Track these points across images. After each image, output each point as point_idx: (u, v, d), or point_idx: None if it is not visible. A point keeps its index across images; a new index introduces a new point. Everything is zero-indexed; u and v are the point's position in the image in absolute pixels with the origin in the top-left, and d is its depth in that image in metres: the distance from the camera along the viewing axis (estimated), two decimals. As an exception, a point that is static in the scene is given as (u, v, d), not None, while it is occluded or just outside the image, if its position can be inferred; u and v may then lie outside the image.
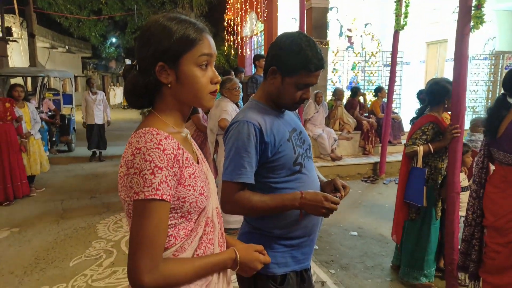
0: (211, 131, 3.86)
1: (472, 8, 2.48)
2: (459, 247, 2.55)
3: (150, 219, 0.84)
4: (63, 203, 4.88)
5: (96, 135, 7.27)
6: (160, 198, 0.83)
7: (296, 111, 1.56)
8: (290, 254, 1.40)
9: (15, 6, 13.74)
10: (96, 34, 22.01)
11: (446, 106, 2.79)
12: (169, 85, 0.92)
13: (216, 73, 0.97)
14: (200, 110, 4.38)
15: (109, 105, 7.91)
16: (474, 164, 2.48)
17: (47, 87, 8.49)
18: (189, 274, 0.92)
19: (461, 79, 2.56)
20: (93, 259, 3.32)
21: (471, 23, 2.50)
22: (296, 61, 1.29)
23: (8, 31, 11.26)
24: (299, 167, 1.37)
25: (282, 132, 1.36)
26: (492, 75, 8.44)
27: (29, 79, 11.89)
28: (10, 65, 10.75)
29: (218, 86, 0.97)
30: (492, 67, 8.41)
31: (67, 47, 20.75)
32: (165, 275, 0.87)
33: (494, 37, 9.12)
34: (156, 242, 0.85)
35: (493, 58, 8.42)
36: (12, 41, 11.44)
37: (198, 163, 1.01)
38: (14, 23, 13.78)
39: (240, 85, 7.20)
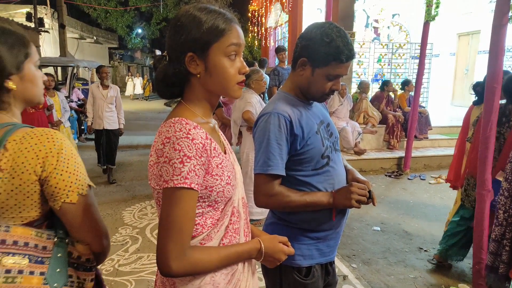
0: (234, 123, 3.88)
1: (511, -3, 2.36)
2: (488, 247, 2.47)
3: (178, 206, 0.86)
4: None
5: (105, 146, 5.46)
6: (189, 186, 0.85)
7: (325, 103, 1.55)
8: (316, 247, 1.40)
9: (47, -3, 14.20)
10: (123, 25, 22.43)
11: None
12: (198, 75, 0.94)
13: (244, 63, 0.97)
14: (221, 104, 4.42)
15: (123, 98, 6.21)
16: (508, 161, 2.37)
17: (77, 76, 8.73)
18: (215, 262, 0.93)
19: (496, 73, 2.45)
20: (119, 244, 3.43)
21: (510, 13, 2.38)
22: (327, 52, 1.27)
23: (40, 22, 11.65)
24: (326, 160, 1.36)
25: (310, 124, 1.35)
26: (528, 69, 8.04)
27: (59, 68, 12.28)
28: (42, 55, 11.14)
29: (244, 77, 0.98)
30: (529, 60, 8.01)
31: (95, 37, 21.26)
32: (192, 262, 0.89)
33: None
34: (184, 230, 0.87)
35: (530, 50, 8.01)
36: (44, 31, 11.82)
37: (225, 153, 1.02)
38: (45, 14, 14.22)
39: (267, 76, 7.22)
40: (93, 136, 8.87)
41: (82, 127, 8.04)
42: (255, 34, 12.70)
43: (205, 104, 0.99)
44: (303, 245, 1.38)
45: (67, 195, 0.92)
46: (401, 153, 6.20)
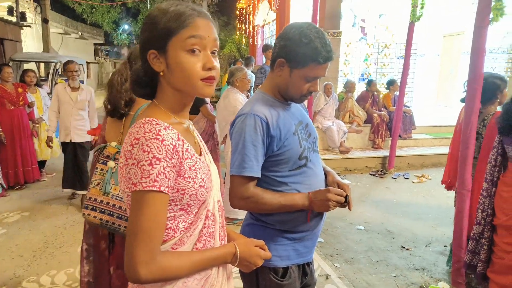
0: (219, 123, 3.83)
1: (493, 0, 2.39)
2: (467, 245, 2.50)
3: (147, 210, 0.83)
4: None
5: (71, 165, 4.26)
6: (158, 189, 0.82)
7: (304, 103, 1.53)
8: (293, 247, 1.39)
9: (29, -9, 13.84)
10: (109, 21, 22.07)
11: (499, 101, 2.70)
12: (162, 73, 0.91)
13: (211, 59, 0.90)
14: (208, 100, 4.36)
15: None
16: (488, 161, 2.40)
17: (59, 73, 8.54)
18: (187, 267, 0.90)
19: (477, 73, 2.48)
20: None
21: (491, 15, 2.41)
22: (305, 53, 1.25)
23: (22, 16, 11.34)
24: (304, 161, 1.35)
25: (288, 125, 1.34)
26: (509, 70, 8.22)
27: (42, 64, 12.00)
28: (24, 50, 10.85)
29: (214, 73, 0.91)
30: (510, 61, 8.18)
31: (80, 33, 20.85)
32: (162, 267, 0.86)
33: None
34: (154, 234, 0.84)
35: (511, 51, 8.18)
36: (26, 26, 11.52)
37: (200, 154, 0.99)
38: (28, 8, 13.84)
39: (252, 74, 7.18)
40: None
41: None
42: (243, 32, 12.64)
43: (177, 103, 0.95)
44: (279, 246, 1.36)
45: None
46: (386, 152, 6.27)
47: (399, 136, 6.43)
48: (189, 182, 0.89)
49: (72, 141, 4.23)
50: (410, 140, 6.96)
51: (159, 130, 0.84)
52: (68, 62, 4.27)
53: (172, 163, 0.85)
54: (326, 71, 1.32)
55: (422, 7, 5.36)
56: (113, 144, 1.71)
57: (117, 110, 1.74)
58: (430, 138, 7.14)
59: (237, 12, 13.13)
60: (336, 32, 7.00)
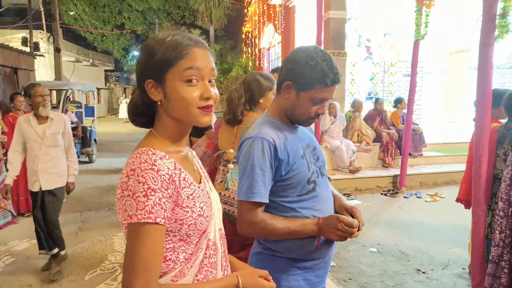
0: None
1: (497, 17, 2.38)
2: (487, 268, 2.39)
3: (143, 243, 0.81)
4: (82, 215, 4.94)
5: (41, 219, 3.30)
6: (154, 221, 0.80)
7: (310, 126, 1.51)
8: (304, 277, 1.33)
9: (43, 22, 14.37)
10: (119, 48, 22.75)
11: None
12: (159, 102, 0.91)
13: (209, 88, 0.91)
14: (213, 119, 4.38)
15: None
16: (502, 180, 2.32)
17: (71, 99, 8.72)
18: None
19: (486, 90, 2.45)
20: (108, 273, 3.31)
21: (496, 33, 2.40)
22: (312, 76, 1.25)
23: (35, 46, 11.74)
24: (313, 185, 1.31)
25: (296, 149, 1.32)
26: (518, 85, 8.13)
27: (54, 92, 12.30)
28: (37, 79, 11.17)
29: (212, 102, 0.91)
30: (519, 76, 8.11)
31: (91, 60, 21.46)
32: None
33: (519, 45, 8.80)
34: (151, 267, 0.82)
35: (520, 66, 8.12)
36: (39, 55, 11.90)
37: (200, 182, 0.98)
38: (41, 39, 14.36)
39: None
40: (86, 160, 8.93)
41: (76, 151, 7.95)
42: (249, 55, 12.85)
43: (174, 132, 0.95)
44: (290, 276, 1.31)
45: None
46: (396, 171, 6.16)
47: (410, 154, 6.33)
48: (187, 212, 0.88)
49: (42, 189, 3.22)
50: (421, 158, 6.85)
51: (155, 160, 0.83)
52: (34, 85, 3.35)
53: (168, 193, 0.83)
54: (333, 93, 1.30)
55: (426, 26, 5.39)
56: (231, 151, 2.17)
57: (236, 118, 2.16)
58: (441, 156, 7.02)
59: (243, 35, 13.40)
60: (341, 52, 7.06)
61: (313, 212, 1.31)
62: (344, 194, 5.69)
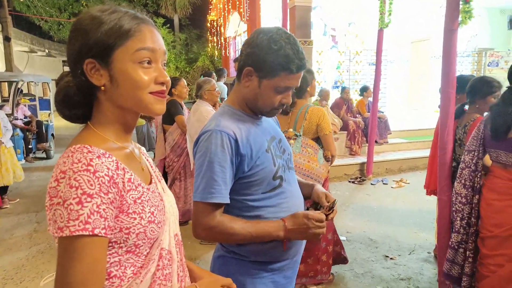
0: (191, 138, 3.66)
1: (461, 3, 2.37)
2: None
3: (79, 261, 0.67)
4: (38, 216, 4.61)
5: None
6: (91, 233, 0.66)
7: (276, 116, 1.40)
8: (271, 280, 1.23)
9: (-10, 8, 13.29)
10: (77, 37, 21.49)
11: (478, 107, 2.58)
12: (103, 87, 0.76)
13: (164, 72, 0.80)
14: (185, 110, 4.19)
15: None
16: (461, 166, 2.23)
17: (22, 92, 8.12)
18: None
19: (450, 76, 2.45)
20: None
21: (459, 18, 2.39)
22: (275, 61, 1.12)
23: (-18, 35, 10.85)
24: (279, 181, 1.20)
25: (259, 142, 1.19)
26: (475, 72, 8.47)
27: (5, 84, 11.46)
28: (-15, 70, 10.33)
29: (165, 87, 0.80)
30: (475, 64, 8.45)
31: (47, 50, 20.21)
32: None
33: (476, 34, 9.18)
34: None
35: (476, 55, 8.46)
36: (-14, 45, 11.02)
37: (150, 183, 0.85)
38: (-12, 27, 13.29)
39: (224, 86, 7.04)
40: (43, 156, 8.37)
41: (30, 146, 7.47)
42: (215, 44, 12.57)
43: (119, 124, 0.81)
44: (257, 280, 1.21)
45: None
46: (363, 159, 6.25)
47: (376, 141, 6.44)
48: (135, 219, 0.75)
49: None
50: (387, 145, 7.00)
51: (91, 160, 0.69)
52: None
53: (109, 198, 0.70)
54: (299, 80, 1.19)
55: (390, 14, 5.43)
56: (290, 130, 2.59)
57: (288, 108, 2.58)
58: (405, 142, 7.21)
59: (209, 24, 13.07)
60: (307, 41, 7.00)
61: (280, 209, 1.20)
62: (313, 183, 5.70)
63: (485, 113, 2.57)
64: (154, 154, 4.74)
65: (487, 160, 2.15)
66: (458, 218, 2.19)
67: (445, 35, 2.42)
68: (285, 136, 2.32)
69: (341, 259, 2.99)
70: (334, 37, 10.43)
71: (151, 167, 0.91)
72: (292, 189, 1.26)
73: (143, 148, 0.95)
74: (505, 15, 8.88)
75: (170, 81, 0.82)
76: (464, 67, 8.56)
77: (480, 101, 2.54)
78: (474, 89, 2.55)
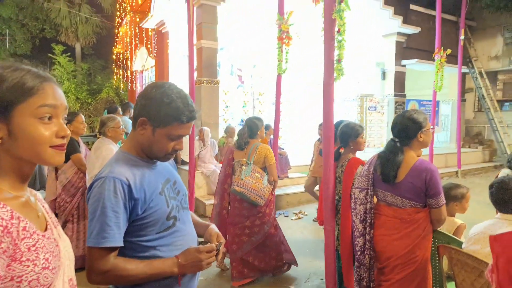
0: (91, 179, 3.49)
1: (335, 62, 2.85)
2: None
3: None
4: None
5: None
6: None
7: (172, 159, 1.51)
8: None
9: None
10: None
11: (352, 148, 3.01)
12: (0, 140, 0.80)
13: (64, 126, 0.87)
14: (83, 146, 3.98)
15: None
16: (354, 199, 2.45)
17: None
18: None
19: (329, 121, 2.87)
20: None
21: (335, 74, 2.86)
22: (167, 113, 1.26)
23: None
24: (172, 221, 1.31)
25: (153, 185, 1.29)
26: (359, 114, 9.79)
27: None
28: None
29: (65, 140, 0.88)
30: (359, 107, 9.78)
31: None
32: None
33: (358, 82, 10.69)
34: None
35: (358, 100, 9.81)
36: None
37: (46, 229, 0.88)
38: None
39: (129, 121, 6.85)
40: None
41: None
42: (121, 77, 12.21)
43: (15, 174, 0.84)
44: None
45: None
46: (267, 193, 6.59)
47: (277, 176, 6.87)
48: (28, 266, 0.77)
49: None
50: (287, 180, 7.53)
51: None
52: None
53: (2, 248, 0.72)
54: (190, 129, 1.34)
55: (286, 62, 6.07)
56: (244, 159, 3.52)
57: (243, 145, 3.56)
58: (303, 176, 7.84)
59: (114, 57, 12.70)
60: (214, 80, 7.34)
61: (174, 248, 1.29)
62: (219, 219, 5.80)
63: (357, 152, 3.07)
64: (46, 194, 4.33)
65: (374, 198, 2.43)
66: (359, 253, 2.38)
67: (324, 87, 2.86)
68: (240, 163, 3.51)
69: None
70: (240, 77, 11.08)
71: (47, 213, 0.94)
72: (186, 227, 1.37)
73: (38, 194, 0.97)
74: (379, 68, 10.59)
75: (70, 134, 0.89)
76: (350, 110, 9.84)
77: (352, 142, 3.01)
78: (345, 134, 3.02)
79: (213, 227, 1.50)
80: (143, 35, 9.97)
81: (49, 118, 0.84)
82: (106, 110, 6.52)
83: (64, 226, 3.73)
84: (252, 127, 3.54)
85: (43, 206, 0.94)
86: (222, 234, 1.61)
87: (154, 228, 1.26)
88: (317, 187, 5.80)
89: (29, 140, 0.81)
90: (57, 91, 0.87)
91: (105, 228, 1.16)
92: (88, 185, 3.62)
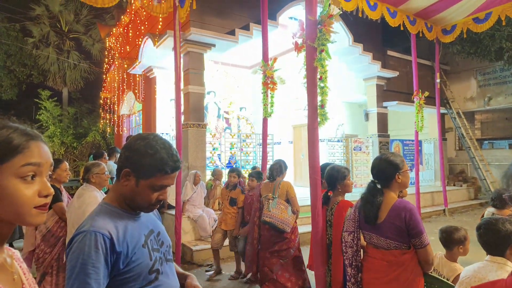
0: (73, 227, 3.37)
1: (318, 108, 2.94)
2: None
3: None
4: None
5: None
6: None
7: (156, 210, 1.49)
8: None
9: None
10: None
11: (340, 190, 2.96)
12: None
13: (48, 184, 0.85)
14: (65, 195, 3.88)
15: None
16: (344, 242, 2.43)
17: None
18: None
19: (315, 164, 2.91)
20: None
21: (318, 119, 2.95)
22: (151, 164, 1.26)
23: None
24: (155, 275, 1.26)
25: (137, 237, 1.26)
26: (344, 155, 9.93)
27: None
28: None
29: (48, 199, 0.85)
30: (344, 148, 9.94)
31: None
32: None
33: (342, 124, 10.96)
34: None
35: (344, 140, 10.01)
36: None
37: None
38: None
39: (115, 165, 6.76)
40: None
41: None
42: (107, 121, 12.24)
43: None
44: None
45: None
46: (255, 236, 6.45)
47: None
48: None
49: None
50: (276, 222, 7.40)
51: None
52: None
53: None
54: (174, 180, 1.33)
55: (272, 105, 6.23)
56: (270, 194, 4.10)
57: (273, 177, 4.22)
58: (292, 218, 7.75)
59: (101, 101, 12.80)
60: (201, 124, 7.42)
61: None
62: (207, 265, 5.60)
63: (346, 193, 3.08)
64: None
65: (362, 241, 2.42)
66: None
67: (309, 132, 2.93)
68: (267, 197, 4.12)
69: None
70: (227, 119, 11.24)
71: (24, 274, 0.90)
72: (169, 281, 1.32)
73: (16, 253, 0.93)
74: (362, 109, 10.94)
75: (53, 191, 0.87)
76: (336, 151, 9.99)
77: (340, 184, 3.02)
78: (332, 177, 3.02)
79: (193, 278, 1.46)
80: (131, 80, 10.15)
81: (33, 177, 0.82)
82: (91, 156, 6.45)
83: (42, 279, 3.53)
84: (282, 167, 4.31)
85: (20, 267, 0.90)
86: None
87: (135, 283, 1.21)
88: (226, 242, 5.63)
89: (11, 201, 0.79)
90: (43, 149, 0.86)
91: (84, 286, 1.11)
92: (68, 235, 3.49)
